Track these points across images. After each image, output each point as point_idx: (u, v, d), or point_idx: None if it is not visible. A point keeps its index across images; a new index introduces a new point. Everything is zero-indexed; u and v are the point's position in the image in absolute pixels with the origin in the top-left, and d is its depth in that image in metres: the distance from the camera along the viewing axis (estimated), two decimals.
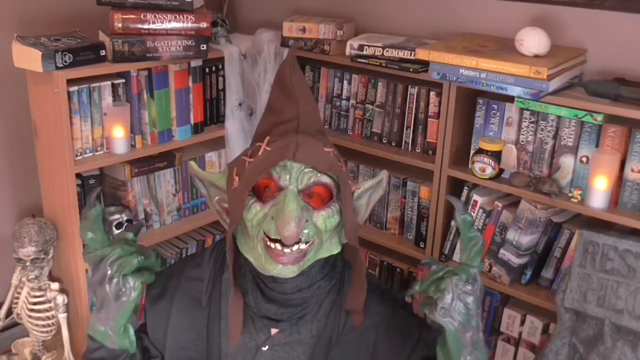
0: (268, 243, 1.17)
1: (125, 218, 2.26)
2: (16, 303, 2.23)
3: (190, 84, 2.36)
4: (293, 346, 1.27)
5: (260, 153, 1.19)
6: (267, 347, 1.27)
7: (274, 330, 1.27)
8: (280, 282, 1.23)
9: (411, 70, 2.20)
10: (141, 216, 2.35)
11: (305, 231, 1.16)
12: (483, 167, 2.08)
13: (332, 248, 1.25)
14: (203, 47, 2.24)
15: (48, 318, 2.18)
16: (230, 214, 1.23)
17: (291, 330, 1.26)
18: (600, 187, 1.89)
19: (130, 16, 2.11)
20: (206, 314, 1.33)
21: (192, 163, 1.32)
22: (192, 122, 2.39)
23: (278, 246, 1.16)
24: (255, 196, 1.19)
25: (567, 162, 1.99)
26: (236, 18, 2.96)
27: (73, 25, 2.27)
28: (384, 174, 1.30)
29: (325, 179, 1.19)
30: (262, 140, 1.21)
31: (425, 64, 2.14)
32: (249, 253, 1.22)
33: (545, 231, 2.06)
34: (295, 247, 1.17)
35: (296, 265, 1.18)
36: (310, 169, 1.18)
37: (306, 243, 1.18)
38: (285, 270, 1.18)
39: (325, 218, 1.18)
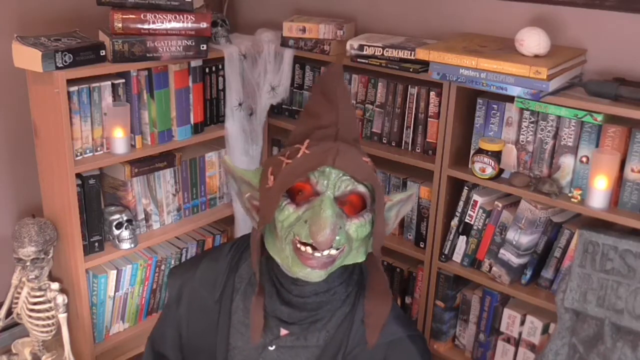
0: (298, 245, 1.17)
1: (125, 218, 2.26)
2: (16, 303, 2.23)
3: (190, 84, 2.36)
4: (298, 351, 1.27)
5: (299, 155, 1.19)
6: (273, 346, 1.28)
7: (283, 332, 1.28)
8: (300, 284, 1.23)
9: (411, 70, 2.20)
10: (141, 216, 2.35)
11: (338, 238, 1.16)
12: (483, 167, 2.08)
13: (358, 257, 1.25)
14: (203, 47, 2.24)
15: (48, 318, 2.18)
16: (261, 212, 1.23)
17: (299, 335, 1.26)
18: (600, 187, 1.89)
19: (130, 16, 2.11)
20: (217, 308, 1.33)
21: (226, 158, 1.32)
22: (192, 122, 2.39)
23: (309, 249, 1.16)
24: (289, 197, 1.19)
25: (567, 162, 1.99)
26: (236, 18, 2.96)
27: (73, 25, 2.27)
28: (414, 190, 1.32)
29: (361, 188, 1.20)
30: (301, 142, 1.21)
31: (425, 64, 2.14)
32: (277, 254, 1.22)
33: (545, 231, 2.06)
34: (326, 252, 1.17)
35: (324, 269, 1.18)
36: (348, 177, 1.18)
37: (337, 249, 1.18)
38: (313, 273, 1.18)
39: (357, 227, 1.19)
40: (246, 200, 1.29)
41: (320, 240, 1.12)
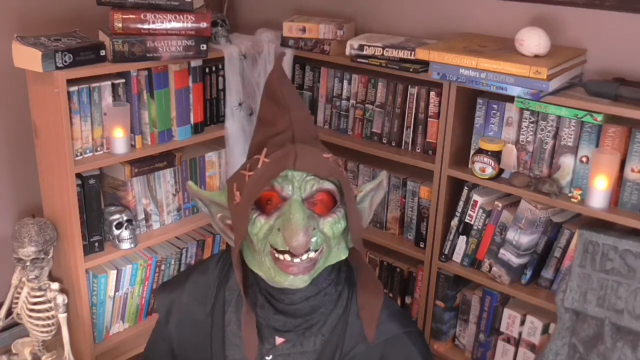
0: (276, 255, 1.16)
1: (125, 218, 2.25)
2: (16, 303, 2.23)
3: (190, 84, 2.36)
4: (296, 357, 1.26)
5: (259, 165, 1.18)
6: (270, 356, 1.26)
7: (279, 340, 1.26)
8: (289, 292, 1.22)
9: (411, 70, 2.20)
10: (141, 216, 2.35)
11: (314, 239, 1.15)
12: (483, 167, 2.08)
13: (340, 254, 1.24)
14: (203, 47, 2.24)
15: (48, 318, 2.18)
16: (235, 229, 1.22)
17: (295, 341, 1.25)
18: (600, 187, 1.89)
19: (130, 16, 2.11)
20: (210, 321, 1.32)
21: (191, 183, 1.30)
22: (192, 122, 2.39)
23: (287, 257, 1.15)
24: (258, 210, 1.18)
25: (567, 162, 1.99)
26: (236, 18, 2.96)
27: (73, 25, 2.27)
28: (383, 175, 1.30)
29: (328, 185, 1.19)
30: (259, 152, 1.20)
31: (425, 64, 2.14)
32: (258, 268, 1.21)
33: (545, 231, 2.06)
34: (304, 257, 1.16)
35: (307, 274, 1.17)
36: (312, 177, 1.17)
37: (315, 251, 1.17)
38: (297, 280, 1.17)
39: (331, 224, 1.18)
40: (219, 221, 1.28)
41: (295, 245, 1.11)
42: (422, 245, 2.35)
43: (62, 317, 2.17)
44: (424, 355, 1.29)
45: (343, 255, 1.25)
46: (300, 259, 1.16)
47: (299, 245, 1.11)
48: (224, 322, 1.31)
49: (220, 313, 1.32)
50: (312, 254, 1.17)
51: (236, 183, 1.21)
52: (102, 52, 2.08)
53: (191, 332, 1.34)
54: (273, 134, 1.21)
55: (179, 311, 1.36)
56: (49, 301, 2.16)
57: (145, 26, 2.13)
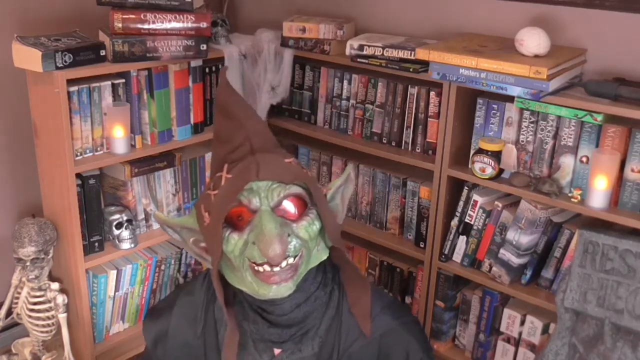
0: (256, 268, 1.16)
1: (125, 218, 2.26)
2: (16, 303, 2.23)
3: (190, 84, 2.36)
4: None
5: (222, 183, 1.17)
6: None
7: (276, 350, 1.26)
8: (278, 303, 1.21)
9: (411, 70, 2.20)
10: (141, 216, 2.35)
11: (291, 245, 1.15)
12: (483, 167, 2.08)
13: (321, 254, 1.24)
14: (203, 47, 2.24)
15: (48, 318, 2.18)
16: (210, 251, 1.21)
17: (294, 349, 1.25)
18: (600, 187, 1.89)
19: (130, 16, 2.11)
20: (202, 342, 1.31)
21: (158, 213, 1.29)
22: (192, 122, 2.39)
23: (267, 267, 1.15)
24: (230, 227, 1.17)
25: (567, 162, 1.99)
26: (236, 18, 2.96)
27: (73, 25, 2.27)
28: (350, 169, 1.29)
29: (295, 189, 1.18)
30: (220, 169, 1.19)
31: (425, 64, 2.14)
32: (240, 284, 1.21)
33: (545, 231, 2.06)
34: (284, 264, 1.15)
35: (290, 281, 1.17)
36: (277, 184, 1.16)
37: (295, 257, 1.17)
38: (281, 289, 1.16)
39: (306, 227, 1.17)
40: (192, 245, 1.27)
41: (272, 255, 1.10)
42: (422, 245, 2.35)
43: (62, 317, 2.17)
44: (423, 345, 1.28)
45: (324, 255, 1.24)
46: (280, 267, 1.15)
47: (275, 255, 1.11)
48: (218, 342, 1.30)
49: (212, 333, 1.31)
50: (291, 260, 1.16)
51: (203, 204, 1.21)
52: (102, 52, 2.08)
53: (184, 356, 1.32)
54: (231, 149, 1.20)
55: (169, 337, 1.35)
56: (49, 301, 2.17)
57: (145, 26, 2.13)
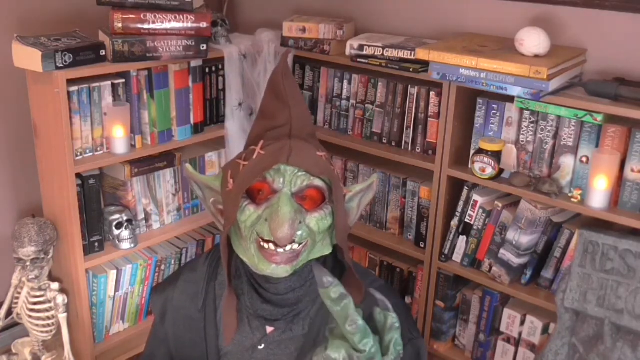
0: (261, 244, 1.19)
1: (125, 218, 2.25)
2: (16, 303, 2.23)
3: (190, 84, 2.36)
4: (287, 344, 1.29)
5: (254, 156, 1.21)
6: (262, 345, 1.29)
7: (269, 329, 1.29)
8: (274, 282, 1.25)
9: (411, 70, 2.20)
10: (141, 216, 2.35)
11: (299, 233, 1.18)
12: (483, 167, 2.08)
13: (324, 249, 1.27)
14: (203, 47, 2.24)
15: (48, 318, 2.18)
16: (225, 215, 1.26)
17: (285, 328, 1.28)
18: (600, 187, 1.89)
19: (130, 16, 2.11)
20: (202, 316, 1.35)
21: (188, 166, 1.33)
22: (192, 122, 2.39)
23: (272, 246, 1.19)
24: (249, 198, 1.21)
25: (567, 162, 1.99)
26: (236, 18, 2.96)
27: (73, 25, 2.27)
28: (374, 178, 1.33)
29: (318, 182, 1.22)
30: (256, 144, 1.23)
31: (425, 64, 2.14)
32: (243, 254, 1.25)
33: (545, 231, 2.06)
34: (288, 247, 1.19)
35: (289, 264, 1.20)
36: (304, 173, 1.20)
37: (299, 244, 1.20)
38: (279, 269, 1.20)
39: (318, 220, 1.21)
40: (211, 205, 1.32)
41: (280, 236, 1.14)
42: (422, 245, 2.35)
43: (62, 317, 2.17)
44: (394, 301, 1.26)
45: (327, 250, 1.28)
46: (284, 250, 1.19)
47: (283, 237, 1.14)
48: (217, 316, 1.34)
49: (212, 308, 1.34)
50: (295, 246, 1.20)
51: (231, 170, 1.25)
52: (102, 52, 2.08)
53: (186, 329, 1.36)
54: (271, 127, 1.24)
55: (173, 309, 1.39)
56: (49, 301, 2.17)
57: (145, 26, 2.13)
